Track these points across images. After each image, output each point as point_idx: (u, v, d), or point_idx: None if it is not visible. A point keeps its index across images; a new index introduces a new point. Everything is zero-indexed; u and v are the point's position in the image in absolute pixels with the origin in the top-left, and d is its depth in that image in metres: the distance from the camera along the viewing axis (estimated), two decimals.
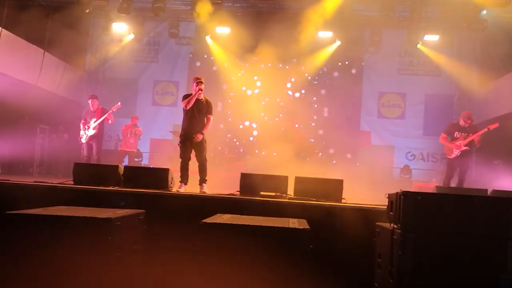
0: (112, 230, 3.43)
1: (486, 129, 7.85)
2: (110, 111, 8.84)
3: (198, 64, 13.86)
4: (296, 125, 12.80)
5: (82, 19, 12.18)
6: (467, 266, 3.25)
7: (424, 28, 11.81)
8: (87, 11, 11.67)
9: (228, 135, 13.54)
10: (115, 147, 13.16)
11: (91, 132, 8.74)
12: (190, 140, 6.63)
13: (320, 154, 12.67)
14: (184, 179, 6.56)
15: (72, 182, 6.14)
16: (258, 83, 13.66)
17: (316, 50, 13.14)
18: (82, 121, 8.86)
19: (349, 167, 12.51)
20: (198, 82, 6.62)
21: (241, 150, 13.37)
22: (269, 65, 12.99)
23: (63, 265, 3.40)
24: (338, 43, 12.99)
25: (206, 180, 6.66)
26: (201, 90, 6.59)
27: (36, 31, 10.56)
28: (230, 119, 13.57)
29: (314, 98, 13.64)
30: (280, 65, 13.17)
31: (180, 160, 6.72)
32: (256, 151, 12.81)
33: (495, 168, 10.12)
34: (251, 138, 13.62)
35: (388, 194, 3.78)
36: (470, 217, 3.29)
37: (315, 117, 13.56)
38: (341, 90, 13.42)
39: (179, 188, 6.41)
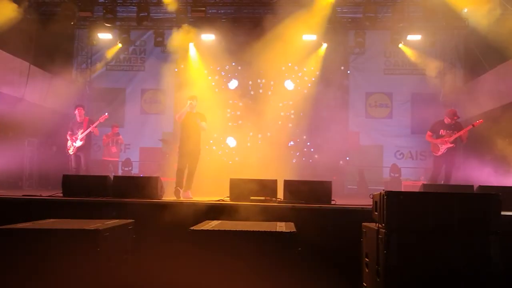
0: (101, 241, 3.45)
1: (470, 126, 7.98)
2: (98, 122, 8.83)
3: (184, 71, 13.88)
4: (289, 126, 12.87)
5: (67, 31, 12.19)
6: (451, 262, 3.33)
7: (407, 28, 11.95)
8: (72, 22, 11.64)
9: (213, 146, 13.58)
10: None
11: (78, 143, 8.72)
12: (186, 152, 7.30)
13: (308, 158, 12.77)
14: (181, 184, 7.18)
15: (62, 195, 6.15)
16: (244, 89, 13.71)
17: (302, 53, 13.21)
18: (69, 132, 8.84)
19: (339, 168, 12.63)
20: (190, 98, 7.43)
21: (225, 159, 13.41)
22: (255, 70, 13.06)
23: (53, 278, 3.42)
24: (325, 45, 13.08)
25: (191, 188, 7.27)
26: (191, 105, 7.34)
27: (21, 44, 10.54)
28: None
29: (302, 102, 13.72)
30: (266, 70, 13.24)
31: (177, 168, 7.34)
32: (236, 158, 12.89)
33: (482, 164, 10.25)
34: (231, 146, 13.64)
35: (373, 195, 3.85)
36: (452, 214, 3.37)
37: (303, 121, 13.63)
38: (328, 92, 13.53)
39: (178, 191, 7.03)
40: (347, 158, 13.16)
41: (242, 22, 12.23)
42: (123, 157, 13.11)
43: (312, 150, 13.43)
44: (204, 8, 11.60)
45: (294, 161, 12.16)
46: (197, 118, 7.38)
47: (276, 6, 11.61)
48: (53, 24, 11.00)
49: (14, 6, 9.59)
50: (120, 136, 11.45)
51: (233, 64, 13.42)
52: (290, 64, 13.46)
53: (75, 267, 3.42)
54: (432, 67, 12.83)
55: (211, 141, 12.94)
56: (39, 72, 11.99)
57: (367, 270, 3.96)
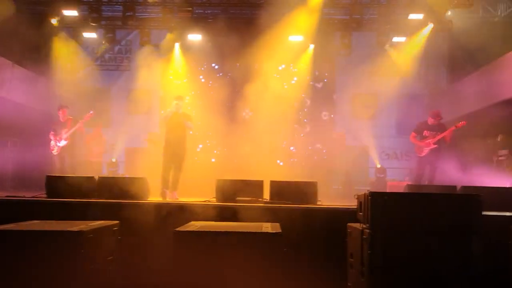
0: (85, 242, 3.43)
1: (454, 128, 8.09)
2: (84, 120, 8.72)
3: (170, 71, 13.82)
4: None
5: (52, 30, 12.06)
6: (434, 262, 3.38)
7: (392, 30, 12.07)
8: (57, 21, 11.52)
9: (201, 146, 13.58)
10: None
11: (62, 143, 8.61)
12: (171, 152, 7.27)
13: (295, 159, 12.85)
14: (167, 186, 7.17)
15: (46, 196, 6.08)
16: (231, 89, 13.69)
17: (290, 54, 13.24)
18: (52, 132, 8.71)
19: (325, 168, 12.68)
20: (176, 98, 7.43)
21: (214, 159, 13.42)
22: (242, 70, 13.07)
23: (36, 280, 3.38)
24: (312, 46, 13.12)
25: (177, 189, 7.24)
26: (177, 105, 7.32)
27: (3, 43, 10.39)
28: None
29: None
30: (253, 71, 13.25)
31: (162, 168, 7.29)
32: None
33: (465, 165, 10.40)
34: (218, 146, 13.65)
35: (357, 195, 3.89)
36: (435, 214, 3.42)
37: (289, 122, 13.68)
38: (314, 92, 13.63)
39: (164, 191, 7.03)
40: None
41: (229, 23, 12.22)
42: (108, 158, 13.00)
43: (299, 151, 13.47)
44: (190, 8, 11.58)
45: (280, 162, 12.19)
46: (183, 119, 7.35)
47: (263, 7, 11.65)
48: (37, 23, 10.87)
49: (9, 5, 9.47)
50: (103, 137, 11.31)
51: (220, 64, 13.41)
52: (277, 65, 13.50)
53: (58, 268, 3.39)
54: (416, 69, 12.97)
55: (201, 146, 12.91)
56: (22, 71, 11.83)
57: (351, 270, 3.99)
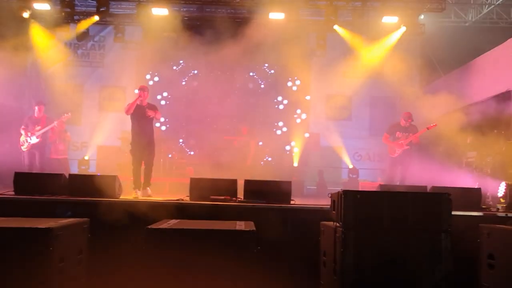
0: (54, 240, 3.33)
1: (425, 129, 8.27)
2: (59, 120, 8.52)
3: (144, 69, 13.65)
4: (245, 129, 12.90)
5: (23, 23, 11.74)
6: (405, 259, 3.43)
7: (366, 32, 12.22)
8: (27, 15, 11.23)
9: (180, 141, 13.50)
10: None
11: (34, 140, 8.41)
12: (139, 146, 6.95)
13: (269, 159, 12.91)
14: (138, 184, 6.87)
15: (13, 193, 5.91)
16: (205, 88, 13.63)
17: (263, 54, 13.24)
18: (23, 127, 8.49)
19: (299, 168, 12.77)
20: (139, 89, 7.07)
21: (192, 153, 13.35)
22: (216, 69, 13.05)
23: (3, 279, 3.28)
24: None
25: (150, 184, 6.97)
26: (140, 97, 6.98)
27: None
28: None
29: (263, 103, 13.83)
30: (226, 70, 13.26)
31: (133, 167, 6.98)
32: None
33: (436, 166, 10.61)
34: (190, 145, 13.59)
35: (331, 194, 3.92)
36: (406, 212, 3.48)
37: (263, 122, 13.72)
38: (290, 94, 13.72)
39: (136, 194, 6.71)
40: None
41: (203, 21, 12.16)
42: (80, 156, 12.76)
43: (273, 150, 13.50)
44: (166, 6, 11.45)
45: (255, 161, 12.19)
46: (149, 110, 7.00)
47: (237, 7, 11.64)
48: (7, 16, 10.57)
49: None
50: (68, 133, 11.07)
51: (194, 62, 13.33)
52: (253, 65, 13.52)
53: (25, 267, 3.30)
54: (389, 71, 13.17)
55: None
56: None
57: (324, 268, 4.02)
